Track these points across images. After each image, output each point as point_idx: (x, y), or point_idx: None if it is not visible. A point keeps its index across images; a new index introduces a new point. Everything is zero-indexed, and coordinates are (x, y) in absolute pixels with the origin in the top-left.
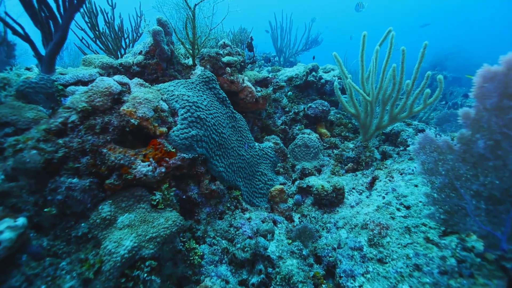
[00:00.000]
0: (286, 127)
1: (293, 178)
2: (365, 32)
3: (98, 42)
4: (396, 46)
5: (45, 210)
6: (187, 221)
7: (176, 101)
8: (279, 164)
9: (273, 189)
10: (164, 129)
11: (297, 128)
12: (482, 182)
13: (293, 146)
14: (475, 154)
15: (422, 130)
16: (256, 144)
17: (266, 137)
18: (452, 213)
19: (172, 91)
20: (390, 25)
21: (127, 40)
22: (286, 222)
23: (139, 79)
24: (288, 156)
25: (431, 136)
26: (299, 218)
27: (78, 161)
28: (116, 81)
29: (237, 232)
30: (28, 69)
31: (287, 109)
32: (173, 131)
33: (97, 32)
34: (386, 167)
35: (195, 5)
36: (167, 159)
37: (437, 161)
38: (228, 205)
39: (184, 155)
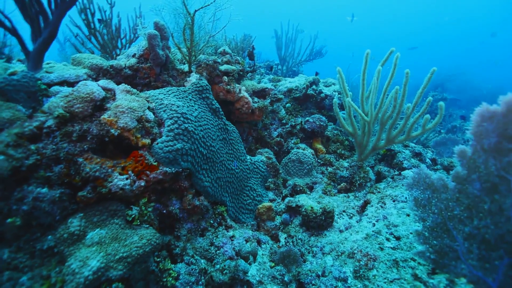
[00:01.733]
0: (282, 139)
1: (284, 194)
2: (369, 50)
3: (93, 40)
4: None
5: (8, 220)
6: (166, 237)
7: (164, 111)
8: (270, 180)
9: (261, 206)
10: (147, 141)
11: (292, 141)
12: (476, 226)
13: (287, 160)
14: (470, 195)
15: (419, 153)
16: (248, 157)
17: (259, 150)
18: (443, 254)
19: (161, 99)
20: (393, 44)
21: (123, 40)
22: (271, 242)
23: (126, 85)
24: (280, 171)
25: (426, 172)
26: (285, 238)
27: (50, 169)
28: (101, 86)
29: (217, 251)
30: (20, 60)
31: (284, 121)
32: (157, 143)
33: (92, 30)
34: (379, 191)
35: (195, 11)
36: (147, 172)
37: (430, 198)
38: (211, 221)
39: (167, 169)
